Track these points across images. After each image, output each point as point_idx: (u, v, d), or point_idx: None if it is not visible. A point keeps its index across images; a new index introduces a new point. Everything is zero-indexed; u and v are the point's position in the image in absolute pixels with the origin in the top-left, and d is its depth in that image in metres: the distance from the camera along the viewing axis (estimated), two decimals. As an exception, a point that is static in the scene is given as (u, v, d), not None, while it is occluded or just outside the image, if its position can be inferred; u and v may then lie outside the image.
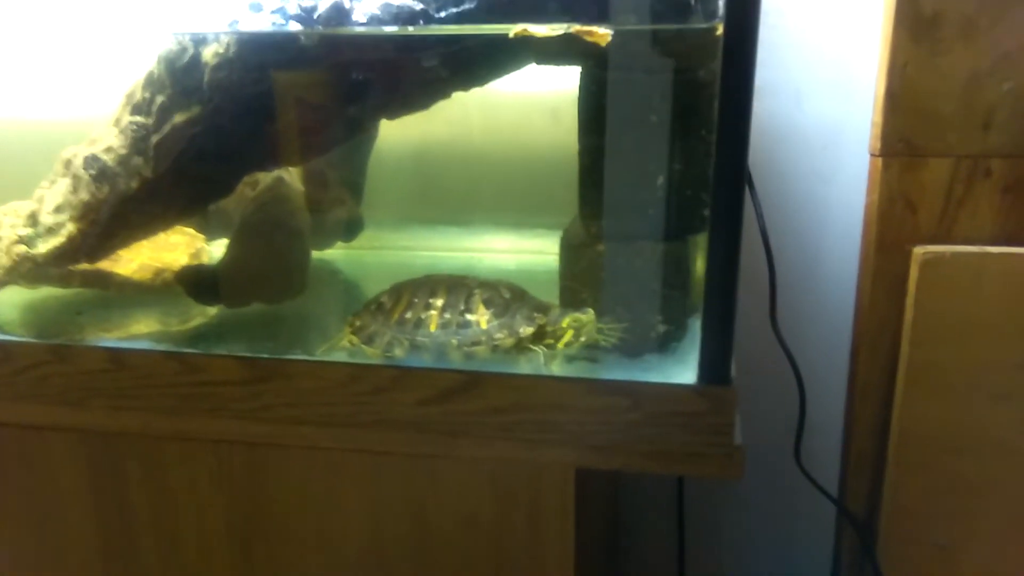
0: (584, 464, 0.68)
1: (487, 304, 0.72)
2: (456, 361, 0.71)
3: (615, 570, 1.15)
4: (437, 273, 0.77)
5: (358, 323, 0.75)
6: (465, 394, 0.68)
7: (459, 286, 0.74)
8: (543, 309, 0.72)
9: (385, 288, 0.78)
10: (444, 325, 0.72)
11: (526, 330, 0.71)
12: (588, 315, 0.70)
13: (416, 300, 0.74)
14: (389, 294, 0.76)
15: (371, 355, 0.73)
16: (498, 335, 0.70)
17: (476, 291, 0.73)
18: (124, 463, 0.78)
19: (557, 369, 0.70)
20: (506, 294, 0.73)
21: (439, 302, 0.73)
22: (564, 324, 0.71)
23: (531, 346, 0.71)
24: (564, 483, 0.69)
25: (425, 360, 0.71)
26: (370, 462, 0.72)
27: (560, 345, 0.71)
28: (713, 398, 0.64)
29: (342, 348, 0.75)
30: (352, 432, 0.71)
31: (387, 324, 0.74)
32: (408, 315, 0.73)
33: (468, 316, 0.72)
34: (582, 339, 0.70)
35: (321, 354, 0.74)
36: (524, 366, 0.70)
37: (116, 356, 0.75)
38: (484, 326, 0.71)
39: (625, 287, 0.72)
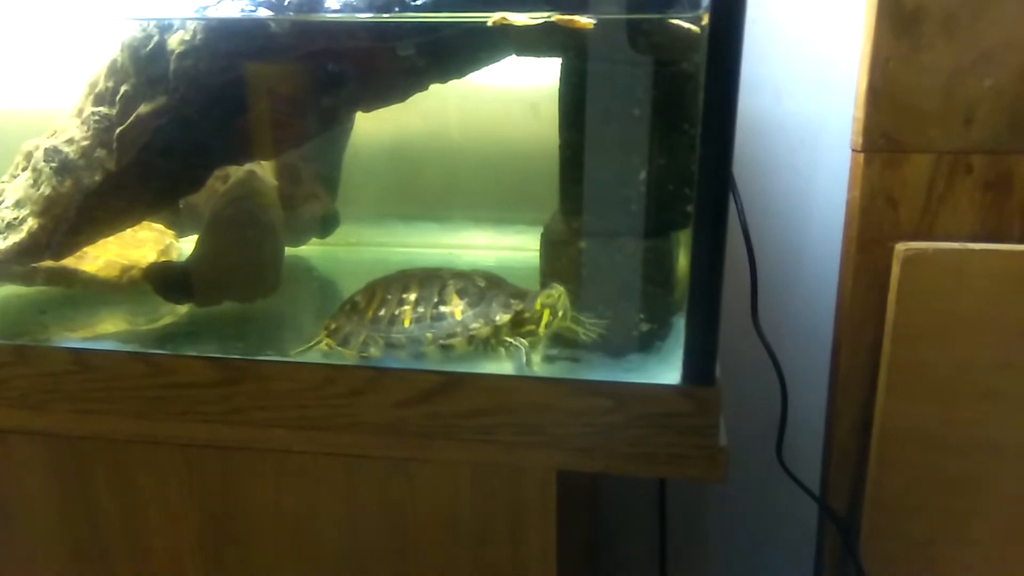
0: (566, 466, 0.67)
1: (460, 294, 0.71)
2: (433, 355, 0.69)
3: (597, 570, 1.14)
4: (411, 268, 0.76)
5: (333, 325, 0.73)
6: (443, 396, 0.66)
7: (432, 279, 0.73)
8: (519, 295, 0.71)
9: (360, 287, 0.76)
10: (418, 319, 0.70)
11: (502, 317, 0.69)
12: (557, 290, 0.69)
13: (389, 296, 0.72)
14: (363, 293, 0.75)
15: (348, 356, 0.71)
16: (474, 325, 0.69)
17: (449, 282, 0.72)
18: (91, 468, 0.76)
19: (539, 359, 0.69)
20: (480, 283, 0.72)
21: (412, 296, 0.71)
22: (537, 306, 0.69)
23: (511, 339, 0.69)
24: (545, 485, 0.68)
25: (402, 358, 0.69)
26: (346, 466, 0.70)
27: (541, 329, 0.69)
28: (697, 399, 0.63)
29: (319, 352, 0.73)
30: (327, 435, 0.69)
31: (361, 324, 0.72)
32: (382, 312, 0.71)
33: (442, 308, 0.70)
34: (560, 314, 0.69)
35: (296, 357, 0.72)
36: (506, 362, 0.68)
37: (80, 357, 0.72)
38: (459, 317, 0.69)
39: (607, 284, 0.71)
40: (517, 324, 0.70)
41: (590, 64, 0.67)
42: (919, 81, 0.82)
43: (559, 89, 0.71)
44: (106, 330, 0.83)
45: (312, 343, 0.74)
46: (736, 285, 0.90)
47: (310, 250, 1.02)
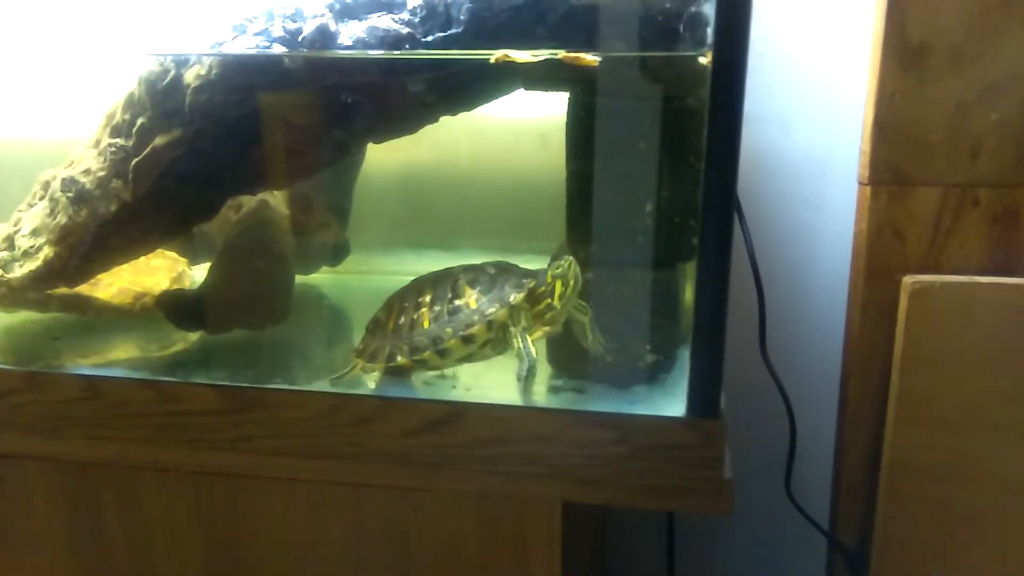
0: (571, 498, 0.67)
1: (472, 285, 0.71)
2: (456, 349, 0.69)
3: (603, 602, 1.13)
4: (423, 275, 0.77)
5: (361, 347, 0.75)
6: (449, 425, 0.67)
7: (444, 278, 0.74)
8: (531, 275, 0.71)
9: (370, 314, 0.77)
10: (436, 318, 0.71)
11: (516, 297, 0.69)
12: (567, 260, 0.68)
13: (407, 304, 0.73)
14: (383, 309, 0.76)
15: (379, 371, 0.72)
16: (489, 310, 0.69)
17: (460, 277, 0.72)
18: (100, 494, 0.76)
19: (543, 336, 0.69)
20: (491, 271, 0.72)
21: (427, 299, 0.72)
22: (549, 279, 0.69)
23: (520, 341, 0.69)
24: (550, 517, 0.67)
25: (427, 359, 0.70)
26: (352, 495, 0.71)
27: (556, 301, 0.69)
28: (702, 431, 0.63)
29: (354, 377, 0.74)
30: (334, 464, 0.69)
31: (385, 337, 0.73)
32: (402, 321, 0.72)
33: (457, 302, 0.71)
34: (572, 283, 0.68)
35: (332, 384, 0.74)
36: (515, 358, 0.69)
37: (92, 384, 0.73)
38: (474, 305, 0.70)
39: (613, 315, 0.71)
40: (535, 302, 0.70)
41: (596, 98, 0.68)
42: (925, 114, 0.82)
43: (566, 122, 0.72)
44: (118, 357, 0.84)
45: (346, 371, 0.75)
46: (744, 316, 0.90)
47: (321, 278, 1.03)
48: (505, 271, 0.72)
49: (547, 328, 0.70)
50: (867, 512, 0.91)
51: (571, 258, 0.68)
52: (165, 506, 0.75)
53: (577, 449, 0.65)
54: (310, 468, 0.70)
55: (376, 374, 0.74)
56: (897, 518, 0.86)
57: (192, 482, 0.74)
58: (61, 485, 0.76)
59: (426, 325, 0.71)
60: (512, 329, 0.69)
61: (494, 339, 0.70)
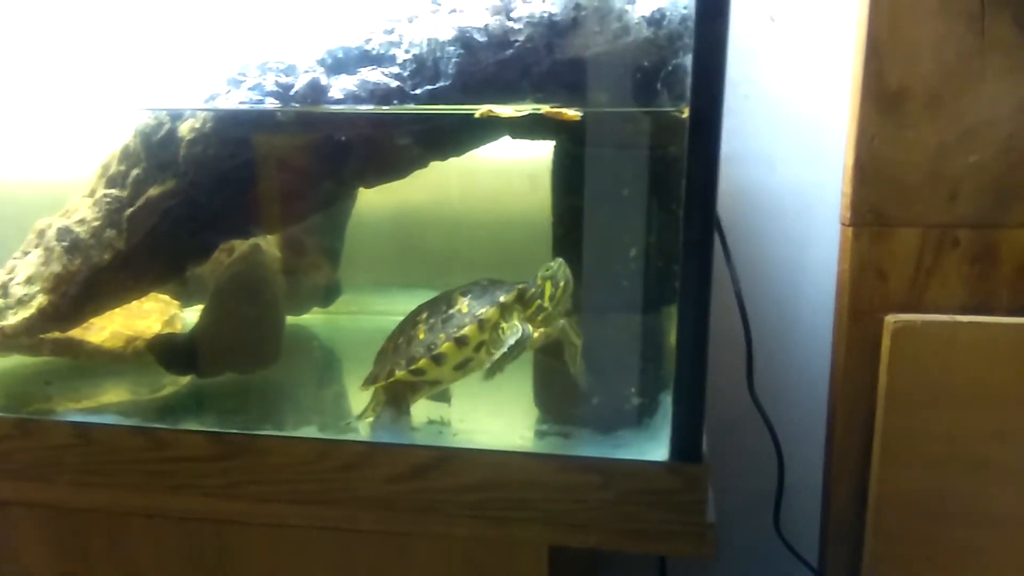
0: (556, 542, 0.67)
1: (465, 294, 0.73)
2: (449, 352, 0.70)
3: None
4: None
5: (368, 377, 0.76)
6: (435, 471, 0.67)
7: (440, 297, 0.76)
8: (524, 282, 0.73)
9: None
10: (430, 329, 0.72)
11: (507, 298, 0.70)
12: (556, 262, 0.70)
13: (406, 326, 0.76)
14: (387, 338, 0.78)
15: (383, 389, 0.75)
16: (480, 311, 0.70)
17: (456, 291, 0.74)
18: (90, 540, 0.76)
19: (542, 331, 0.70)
20: (485, 283, 0.74)
21: (424, 316, 0.74)
22: (539, 280, 0.71)
23: (517, 323, 0.70)
24: (538, 561, 0.68)
25: (423, 367, 0.71)
26: (340, 540, 0.71)
27: (546, 302, 0.70)
28: (685, 476, 0.63)
29: (372, 411, 0.76)
30: (321, 510, 0.70)
31: (387, 360, 0.75)
32: (401, 341, 0.75)
33: (450, 311, 0.72)
34: (562, 285, 0.70)
35: (358, 422, 0.76)
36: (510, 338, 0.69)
37: (82, 431, 0.74)
38: (465, 310, 0.71)
39: (597, 359, 0.72)
40: (526, 305, 0.71)
41: (580, 148, 0.69)
42: (904, 157, 0.84)
43: (551, 169, 0.74)
44: (109, 401, 0.85)
45: (363, 411, 0.77)
46: (732, 354, 0.91)
47: (312, 318, 1.03)
48: (499, 282, 0.74)
49: (542, 330, 0.71)
50: (856, 549, 0.91)
51: (560, 260, 0.70)
52: (155, 552, 0.75)
53: (562, 493, 0.66)
54: (298, 514, 0.71)
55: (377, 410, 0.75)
56: (885, 555, 0.87)
57: (182, 528, 0.74)
58: (51, 531, 0.77)
59: (421, 336, 0.72)
60: (503, 325, 0.70)
61: (488, 341, 0.71)
